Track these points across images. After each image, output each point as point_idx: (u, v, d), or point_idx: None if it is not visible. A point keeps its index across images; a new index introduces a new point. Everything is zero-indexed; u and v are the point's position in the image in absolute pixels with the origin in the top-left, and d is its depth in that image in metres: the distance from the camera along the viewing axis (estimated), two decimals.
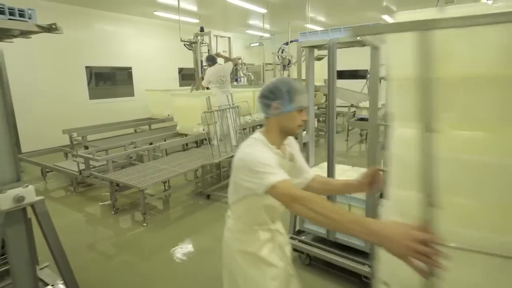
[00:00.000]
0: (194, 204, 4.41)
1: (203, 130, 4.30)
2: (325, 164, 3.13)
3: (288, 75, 9.61)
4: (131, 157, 5.12)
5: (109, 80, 9.35)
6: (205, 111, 4.23)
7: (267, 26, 12.28)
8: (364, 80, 12.89)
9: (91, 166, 4.61)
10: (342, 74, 13.46)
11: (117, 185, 4.11)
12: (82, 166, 4.60)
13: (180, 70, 11.24)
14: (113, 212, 4.08)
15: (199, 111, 4.98)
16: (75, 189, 4.84)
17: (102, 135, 7.19)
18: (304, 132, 2.95)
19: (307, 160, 3.02)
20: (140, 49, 9.80)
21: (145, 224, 3.74)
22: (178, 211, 4.26)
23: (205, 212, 4.16)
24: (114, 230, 3.82)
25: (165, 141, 6.51)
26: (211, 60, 5.81)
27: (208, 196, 4.55)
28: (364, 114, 8.19)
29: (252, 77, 7.50)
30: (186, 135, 5.91)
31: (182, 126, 5.88)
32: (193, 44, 7.10)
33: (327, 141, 2.74)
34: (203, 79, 5.79)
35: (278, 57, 10.00)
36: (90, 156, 4.37)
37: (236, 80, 7.70)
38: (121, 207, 4.24)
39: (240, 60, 7.61)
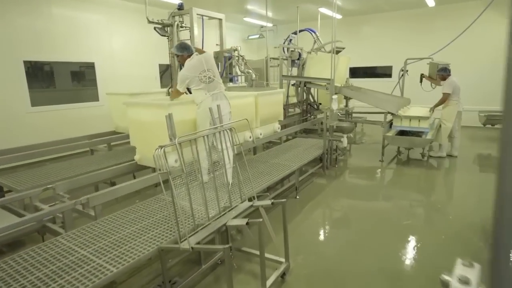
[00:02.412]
0: None
1: (166, 168, 2.11)
2: None
3: (301, 73, 7.39)
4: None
5: (63, 80, 7.11)
6: (161, 146, 2.04)
7: (269, 14, 10.09)
8: (390, 79, 10.80)
9: None
10: (356, 72, 11.31)
11: None
12: None
13: (166, 68, 9.01)
14: None
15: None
16: None
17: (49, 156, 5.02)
18: None
19: None
20: (107, 40, 7.57)
21: None
22: None
23: None
24: None
25: (133, 177, 4.36)
26: (184, 49, 3.67)
27: None
28: (405, 125, 6.02)
29: (254, 76, 5.33)
30: (152, 169, 3.72)
31: (143, 154, 3.68)
32: (168, 28, 4.90)
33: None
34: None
35: (284, 49, 7.83)
36: None
37: (231, 80, 5.54)
38: None
39: (236, 52, 5.42)
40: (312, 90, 8.52)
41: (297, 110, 8.36)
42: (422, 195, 4.66)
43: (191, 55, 3.65)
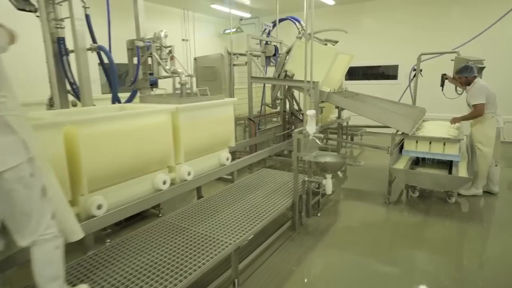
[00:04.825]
0: None
1: None
2: None
3: (281, 66, 5.38)
4: None
5: None
6: None
7: (245, 1, 8.13)
8: (395, 82, 8.69)
9: None
10: (353, 73, 9.29)
11: None
12: None
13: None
14: None
15: None
16: None
17: None
18: None
19: None
20: (18, 26, 5.61)
21: None
22: None
23: None
24: None
25: None
26: None
27: None
28: (423, 150, 4.05)
29: (182, 78, 3.28)
30: None
31: None
32: None
33: None
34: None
35: (260, 43, 5.92)
36: None
37: (154, 84, 3.53)
38: None
39: (158, 41, 3.42)
40: (297, 94, 6.59)
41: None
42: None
43: None
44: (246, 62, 5.60)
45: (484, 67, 4.61)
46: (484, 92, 3.98)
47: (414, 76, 5.61)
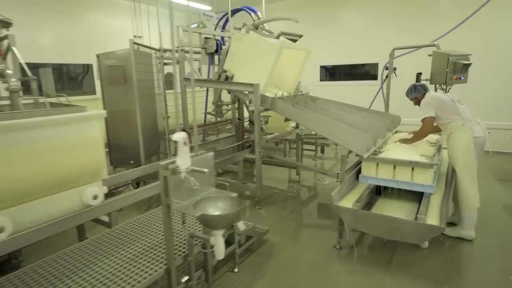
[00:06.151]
0: None
1: None
2: None
3: (221, 67, 4.33)
4: None
5: None
6: None
7: None
8: (375, 82, 7.46)
9: None
10: (335, 73, 8.21)
11: None
12: None
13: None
14: None
15: None
16: None
17: None
18: None
19: None
20: None
21: None
22: None
23: None
24: None
25: None
26: None
27: None
28: (385, 176, 2.98)
29: (12, 83, 2.18)
30: None
31: None
32: None
33: None
34: None
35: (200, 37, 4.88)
36: None
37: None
38: None
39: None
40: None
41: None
42: None
43: None
44: (178, 61, 4.54)
45: (470, 63, 3.54)
46: (432, 104, 3.13)
47: (386, 76, 4.54)
